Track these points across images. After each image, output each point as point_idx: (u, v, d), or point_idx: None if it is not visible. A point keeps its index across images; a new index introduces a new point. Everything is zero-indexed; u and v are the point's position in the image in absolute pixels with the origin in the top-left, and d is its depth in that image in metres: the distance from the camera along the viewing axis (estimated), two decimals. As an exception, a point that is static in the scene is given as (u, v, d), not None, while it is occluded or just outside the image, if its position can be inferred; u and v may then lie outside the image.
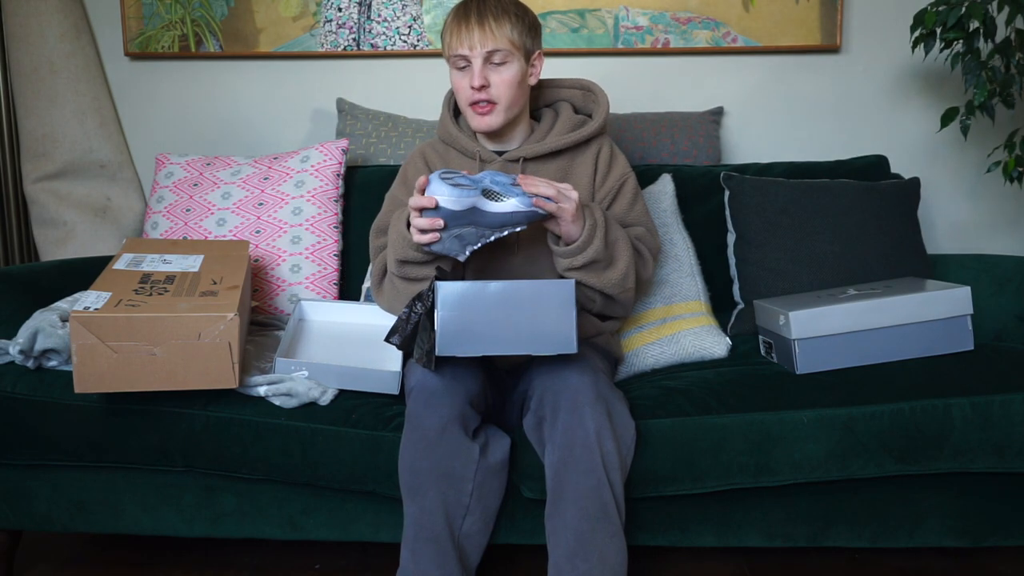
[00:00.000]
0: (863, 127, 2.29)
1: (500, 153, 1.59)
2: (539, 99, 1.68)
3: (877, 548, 1.61)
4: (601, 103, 1.63)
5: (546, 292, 1.28)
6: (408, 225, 1.41)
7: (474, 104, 1.52)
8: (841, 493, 1.46)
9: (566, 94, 1.68)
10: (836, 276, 1.77)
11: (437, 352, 1.27)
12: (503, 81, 1.50)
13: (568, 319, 1.27)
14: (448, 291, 1.27)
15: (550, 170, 1.58)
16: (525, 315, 1.27)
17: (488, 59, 1.49)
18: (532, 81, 1.57)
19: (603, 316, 1.59)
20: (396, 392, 1.48)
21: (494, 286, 1.28)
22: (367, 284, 1.86)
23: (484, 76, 1.49)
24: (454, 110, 1.68)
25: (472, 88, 1.49)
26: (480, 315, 1.27)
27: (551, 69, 1.64)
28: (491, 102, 1.51)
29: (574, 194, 1.39)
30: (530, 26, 1.53)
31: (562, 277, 1.54)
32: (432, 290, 1.31)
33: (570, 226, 1.40)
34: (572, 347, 1.27)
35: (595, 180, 1.60)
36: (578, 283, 1.45)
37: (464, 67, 1.51)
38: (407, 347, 1.36)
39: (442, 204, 1.32)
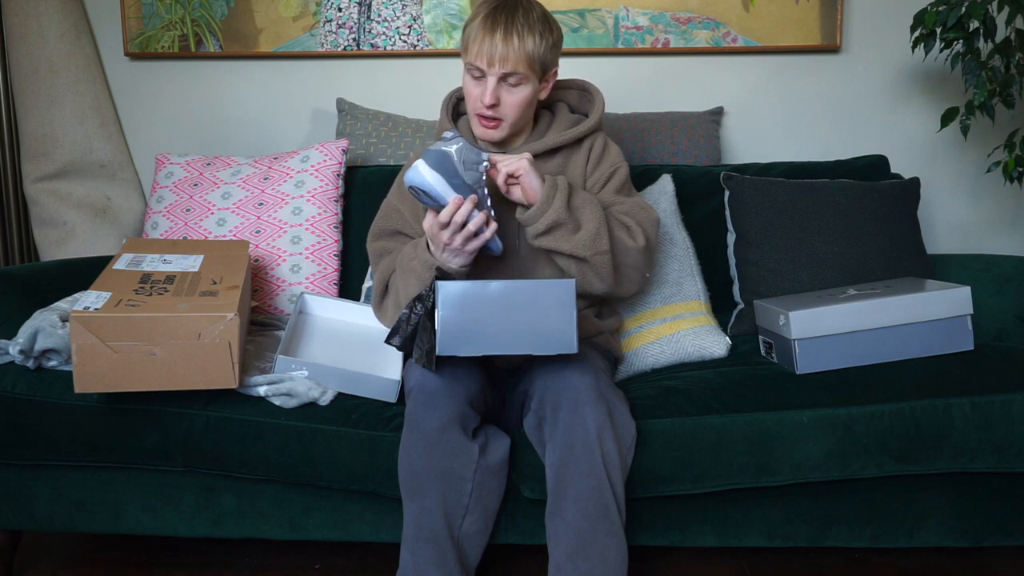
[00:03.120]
0: (863, 127, 2.29)
1: (498, 154, 1.60)
2: None
3: (877, 548, 1.61)
4: (596, 102, 1.63)
5: (546, 292, 1.27)
6: (428, 250, 1.42)
7: (480, 116, 1.51)
8: (841, 493, 1.46)
9: (562, 94, 1.68)
10: (836, 276, 1.77)
11: (438, 352, 1.27)
12: (514, 102, 1.49)
13: (568, 319, 1.27)
14: (448, 291, 1.27)
15: (547, 169, 1.57)
16: (525, 315, 1.27)
17: (503, 79, 1.47)
18: (542, 96, 1.56)
19: (587, 294, 1.52)
20: (394, 400, 1.49)
21: (494, 286, 1.27)
22: (367, 284, 1.86)
23: (496, 95, 1.47)
24: (452, 112, 1.67)
25: (482, 103, 1.48)
26: (480, 315, 1.27)
27: (551, 69, 1.65)
28: (498, 119, 1.50)
29: (512, 158, 1.43)
30: (553, 44, 1.50)
31: (564, 275, 1.54)
32: (432, 290, 1.31)
33: (533, 184, 1.42)
34: (572, 347, 1.27)
35: (587, 170, 1.59)
36: (550, 252, 1.47)
37: (478, 77, 1.49)
38: (407, 348, 1.36)
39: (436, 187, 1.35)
